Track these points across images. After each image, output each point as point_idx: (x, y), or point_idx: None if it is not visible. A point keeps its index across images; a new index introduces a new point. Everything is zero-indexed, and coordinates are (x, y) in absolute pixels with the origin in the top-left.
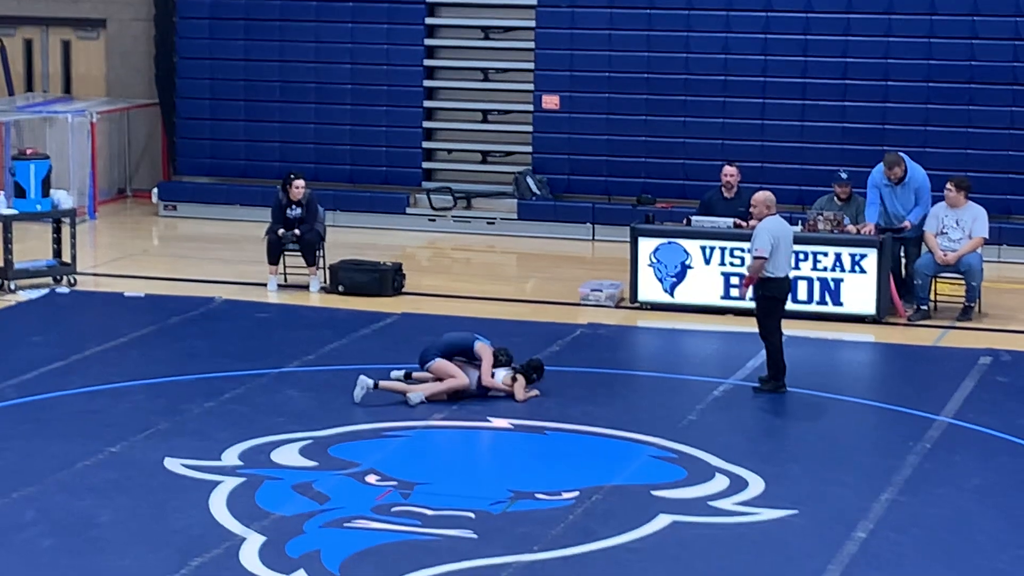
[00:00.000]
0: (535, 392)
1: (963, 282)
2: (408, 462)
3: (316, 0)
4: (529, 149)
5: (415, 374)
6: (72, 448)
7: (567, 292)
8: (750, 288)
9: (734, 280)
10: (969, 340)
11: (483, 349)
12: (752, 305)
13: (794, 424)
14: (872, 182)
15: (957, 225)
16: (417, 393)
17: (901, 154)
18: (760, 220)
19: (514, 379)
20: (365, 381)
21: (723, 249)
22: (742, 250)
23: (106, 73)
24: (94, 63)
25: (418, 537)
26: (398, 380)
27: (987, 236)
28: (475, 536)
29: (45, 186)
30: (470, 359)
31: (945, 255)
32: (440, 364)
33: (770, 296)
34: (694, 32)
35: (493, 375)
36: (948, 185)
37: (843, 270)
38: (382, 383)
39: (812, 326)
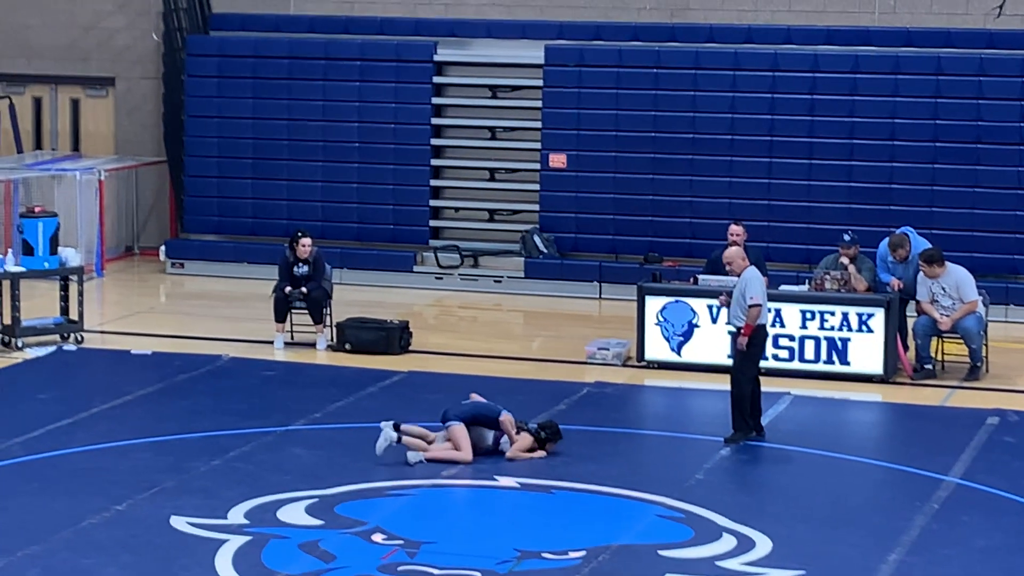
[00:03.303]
0: (538, 454)
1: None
2: (415, 521)
3: (324, 59)
4: (536, 208)
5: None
6: (78, 506)
7: (573, 350)
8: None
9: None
10: (976, 400)
11: (507, 421)
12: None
13: (801, 484)
14: (879, 255)
15: (944, 292)
16: (417, 453)
17: (906, 232)
18: (741, 272)
19: (518, 432)
20: (390, 434)
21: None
22: None
23: (114, 131)
24: (103, 121)
25: None
26: (388, 429)
27: (977, 297)
28: None
29: (53, 244)
30: (492, 427)
31: (941, 319)
32: (457, 431)
33: (754, 343)
34: (700, 91)
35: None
36: (920, 262)
37: (850, 329)
38: (405, 439)
39: (819, 385)
